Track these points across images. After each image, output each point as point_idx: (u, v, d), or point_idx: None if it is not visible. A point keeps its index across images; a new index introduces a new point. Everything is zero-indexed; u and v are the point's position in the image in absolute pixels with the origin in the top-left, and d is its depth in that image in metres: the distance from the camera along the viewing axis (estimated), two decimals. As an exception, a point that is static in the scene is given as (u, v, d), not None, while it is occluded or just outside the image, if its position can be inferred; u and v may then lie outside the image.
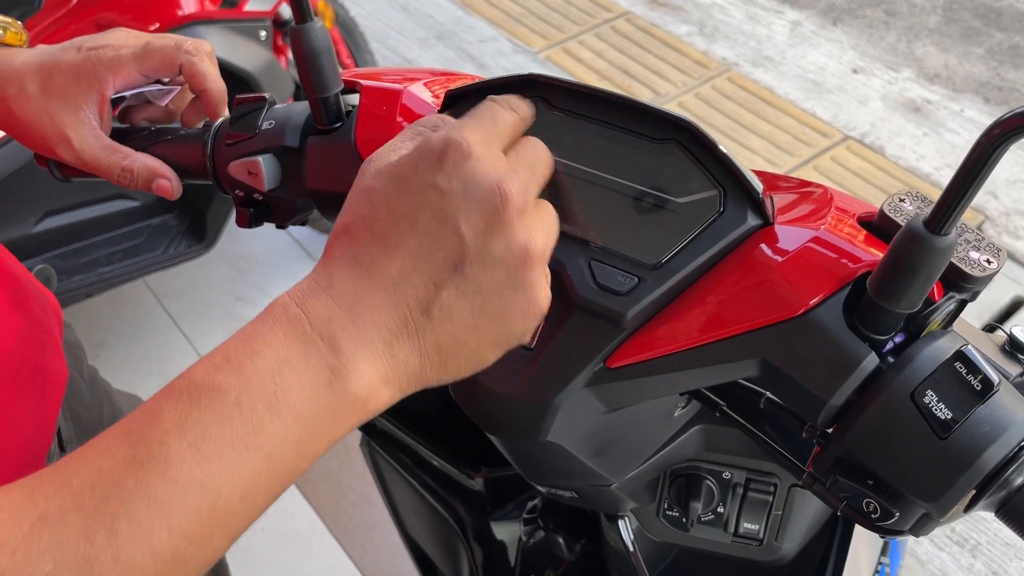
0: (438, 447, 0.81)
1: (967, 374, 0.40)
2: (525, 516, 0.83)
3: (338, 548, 1.63)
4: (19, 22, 0.65)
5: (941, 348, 0.42)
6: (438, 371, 0.41)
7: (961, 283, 0.44)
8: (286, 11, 1.75)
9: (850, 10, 3.16)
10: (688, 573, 0.81)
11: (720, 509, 0.65)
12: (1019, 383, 0.46)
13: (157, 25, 1.47)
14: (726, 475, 0.64)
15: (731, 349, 0.45)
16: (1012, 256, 2.29)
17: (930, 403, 0.41)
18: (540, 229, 0.41)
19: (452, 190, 0.38)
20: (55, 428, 0.63)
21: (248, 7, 1.57)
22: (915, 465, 0.41)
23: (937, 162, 2.55)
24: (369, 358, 0.38)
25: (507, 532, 0.83)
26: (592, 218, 0.49)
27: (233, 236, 2.16)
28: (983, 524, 1.71)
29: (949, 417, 0.40)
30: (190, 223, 1.75)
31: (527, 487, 0.81)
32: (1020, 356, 0.46)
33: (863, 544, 0.72)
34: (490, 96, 0.45)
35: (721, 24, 3.07)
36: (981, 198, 2.44)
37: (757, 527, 0.65)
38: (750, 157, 2.52)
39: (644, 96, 2.73)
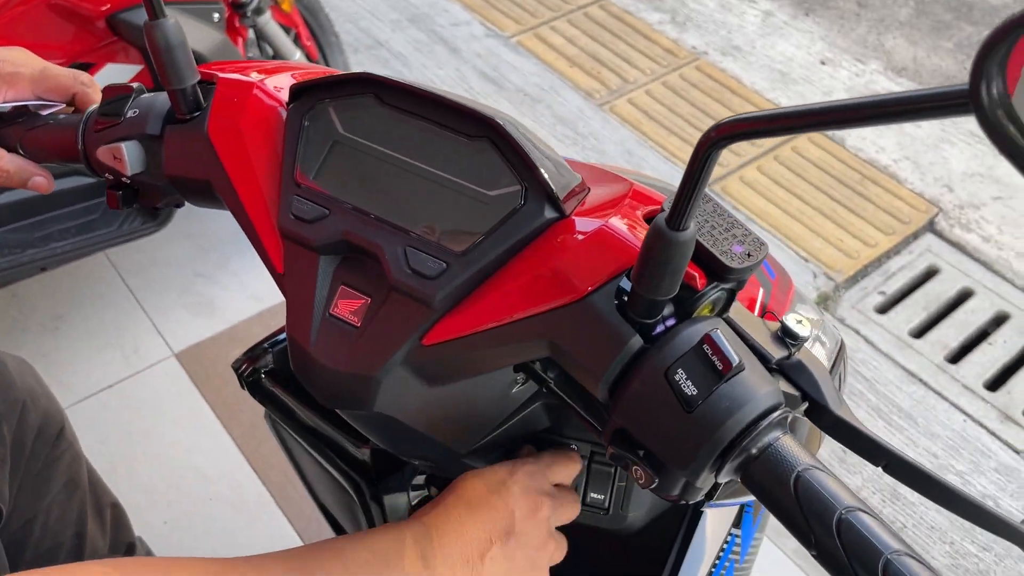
0: (329, 419, 0.85)
1: (712, 355, 0.45)
2: (413, 484, 0.87)
3: (283, 518, 1.69)
4: None
5: (695, 332, 0.46)
6: None
7: (723, 274, 0.48)
8: (241, -7, 1.78)
9: (822, 1, 3.19)
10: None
11: (568, 480, 0.70)
12: (786, 364, 0.51)
13: (108, 6, 1.50)
14: (573, 447, 0.69)
15: (524, 329, 0.50)
16: (963, 249, 2.33)
17: (680, 380, 0.45)
18: (555, 542, 0.64)
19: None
20: None
21: (200, -12, 1.60)
22: (668, 436, 0.46)
23: (896, 155, 2.58)
24: (438, 574, 0.58)
25: (398, 500, 0.88)
26: (411, 206, 0.53)
27: (196, 215, 2.20)
28: (909, 508, 1.77)
29: (695, 393, 0.45)
30: (146, 200, 1.78)
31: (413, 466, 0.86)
32: (788, 341, 0.51)
33: (712, 520, 0.77)
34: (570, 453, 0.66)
35: (694, 13, 3.10)
36: (937, 190, 2.48)
37: (603, 497, 0.70)
38: (712, 146, 2.56)
39: (612, 83, 2.76)
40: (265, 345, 0.89)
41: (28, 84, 0.67)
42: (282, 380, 0.88)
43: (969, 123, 2.69)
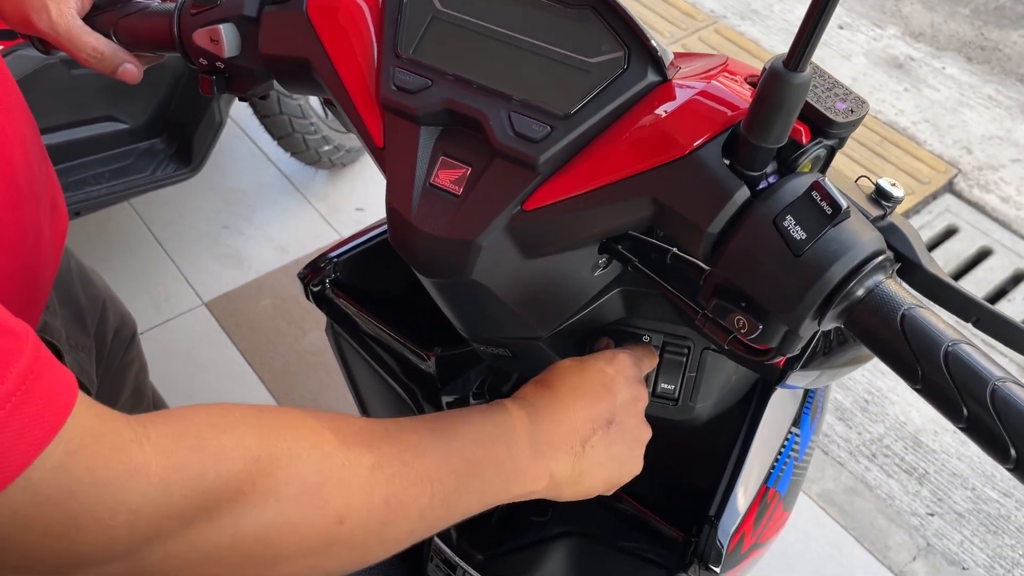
0: (396, 328, 0.87)
1: (821, 200, 0.47)
2: (474, 391, 0.89)
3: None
4: None
5: (802, 181, 0.48)
6: (572, 487, 0.60)
7: (827, 129, 0.50)
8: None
9: (840, -33, 3.19)
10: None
11: (640, 370, 0.72)
12: (880, 224, 0.53)
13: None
14: (645, 338, 0.70)
15: (628, 188, 0.52)
16: (981, 209, 2.35)
17: (788, 227, 0.47)
18: (648, 428, 0.65)
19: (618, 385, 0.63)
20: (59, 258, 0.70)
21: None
22: (775, 281, 0.48)
23: (915, 117, 2.60)
24: (544, 455, 0.57)
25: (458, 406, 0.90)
26: (513, 74, 0.55)
27: (222, 168, 2.21)
28: (931, 455, 1.79)
29: (803, 237, 0.46)
30: (178, 147, 1.80)
31: (475, 364, 0.88)
32: (882, 202, 0.53)
33: (777, 411, 0.79)
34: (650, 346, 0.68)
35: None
36: (955, 152, 2.49)
37: (672, 387, 0.71)
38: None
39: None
40: (330, 255, 0.91)
41: None
42: (348, 290, 0.90)
43: (987, 87, 2.70)
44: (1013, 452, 0.41)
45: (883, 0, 3.04)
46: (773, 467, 0.78)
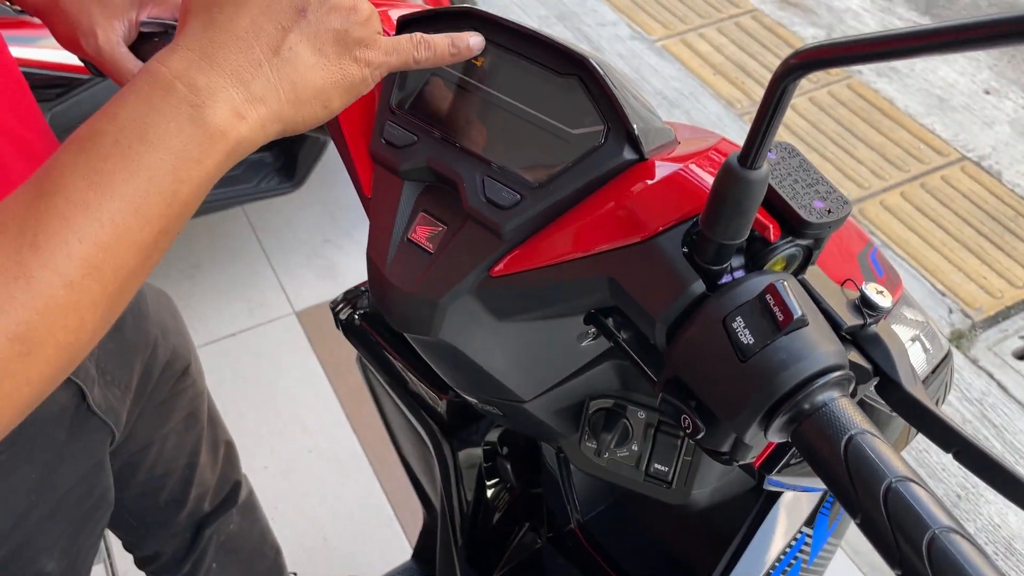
0: (415, 367, 0.88)
1: (773, 306, 0.43)
2: (485, 443, 0.88)
3: (374, 478, 1.74)
4: None
5: (759, 282, 0.45)
6: (293, 109, 0.47)
7: (799, 228, 0.46)
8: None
9: (996, 28, 2.99)
10: (621, 517, 0.85)
11: (634, 447, 0.69)
12: (860, 334, 0.49)
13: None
14: (640, 415, 0.68)
15: (589, 266, 0.50)
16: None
17: (737, 329, 0.44)
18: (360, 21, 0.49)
19: None
20: None
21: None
22: (720, 384, 0.45)
23: (1059, 194, 2.40)
24: (225, 94, 0.44)
25: (472, 454, 0.89)
26: (495, 139, 0.54)
27: (331, 183, 2.30)
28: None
29: (751, 342, 0.43)
30: (284, 162, 1.88)
31: (485, 416, 0.87)
32: (866, 311, 0.49)
33: (788, 508, 0.74)
34: None
35: (851, 30, 2.97)
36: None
37: (667, 469, 0.68)
38: (854, 166, 2.46)
39: (756, 94, 2.69)
40: (363, 288, 0.92)
41: (171, 8, 0.72)
42: (375, 324, 0.91)
43: None
44: None
45: (1040, 66, 2.84)
46: (774, 567, 0.73)
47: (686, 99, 2.67)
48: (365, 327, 0.90)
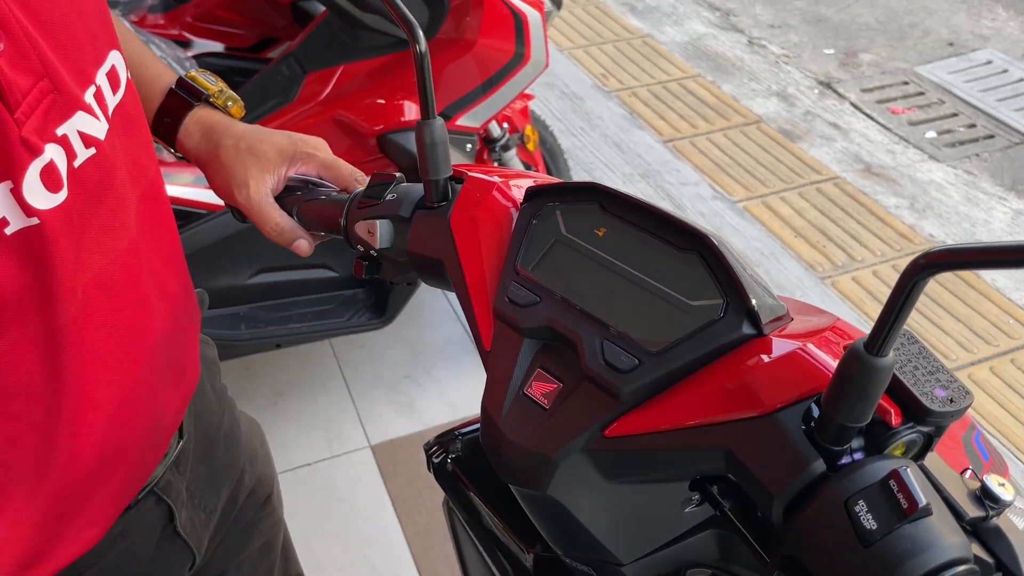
0: (504, 517, 0.88)
1: (897, 492, 0.44)
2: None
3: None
4: (240, 100, 0.84)
5: (882, 466, 0.45)
6: None
7: (921, 415, 0.47)
8: (495, 129, 1.97)
9: (1085, 206, 2.98)
10: None
11: (731, 620, 0.67)
12: (982, 527, 0.48)
13: (381, 127, 1.72)
14: (736, 587, 0.66)
15: (705, 435, 0.51)
16: None
17: (860, 512, 0.44)
18: None
19: None
20: (181, 418, 0.77)
21: (460, 122, 1.79)
22: (841, 568, 0.44)
23: None
24: None
25: (552, 615, 0.87)
26: (615, 304, 0.57)
27: (415, 322, 2.37)
28: None
29: (874, 528, 0.43)
30: (376, 299, 1.96)
31: (573, 572, 0.86)
32: (988, 503, 0.48)
33: None
34: None
35: (935, 202, 3.00)
36: None
37: (761, 648, 0.66)
38: (941, 337, 2.41)
39: (838, 259, 2.70)
40: (456, 433, 0.94)
41: (317, 167, 0.79)
42: (466, 469, 0.92)
43: None
44: None
45: None
46: None
47: (767, 259, 2.70)
48: (457, 472, 0.91)
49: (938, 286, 2.60)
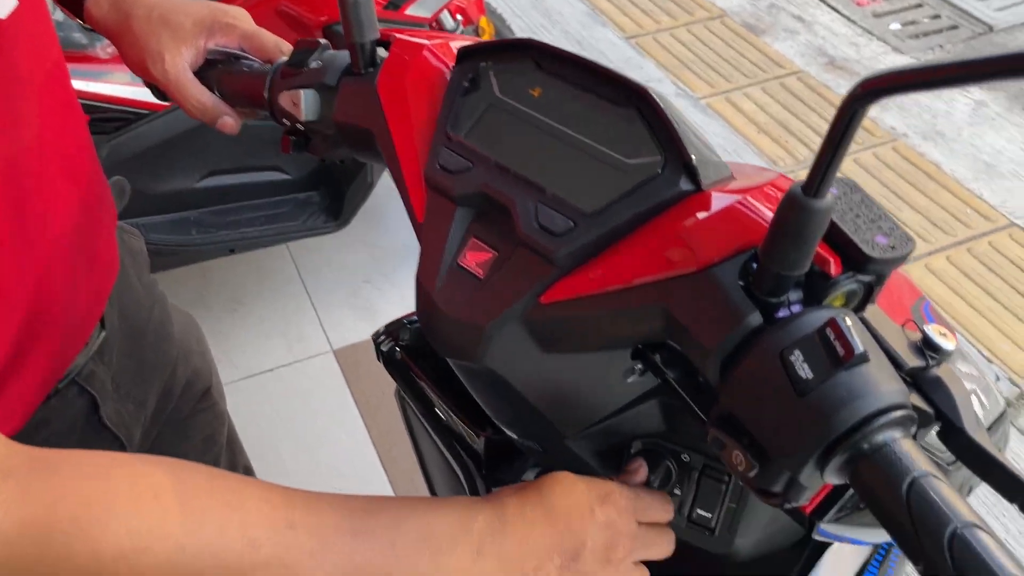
0: (454, 403, 0.87)
1: (834, 340, 0.42)
2: (522, 480, 0.87)
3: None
4: None
5: (819, 316, 0.44)
6: None
7: (861, 263, 0.45)
8: (447, 21, 1.90)
9: (1046, 96, 2.97)
10: (661, 566, 0.82)
11: (676, 491, 0.67)
12: (921, 376, 0.47)
13: (325, 18, 1.64)
14: (684, 457, 0.66)
15: (641, 295, 0.49)
16: None
17: (795, 362, 0.43)
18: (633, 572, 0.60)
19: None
20: (102, 311, 0.74)
21: (409, 11, 1.72)
22: (775, 421, 0.43)
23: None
24: (486, 565, 0.54)
25: (506, 494, 0.87)
26: (550, 167, 0.54)
27: (375, 225, 2.33)
28: None
29: (810, 378, 0.42)
30: (330, 201, 1.91)
31: (523, 455, 0.85)
32: (928, 353, 0.47)
33: (837, 562, 0.71)
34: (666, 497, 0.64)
35: (901, 99, 2.97)
36: None
37: (710, 515, 0.66)
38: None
39: (800, 153, 2.69)
40: (405, 321, 0.92)
41: (238, 38, 0.74)
42: (417, 358, 0.91)
43: None
44: None
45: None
46: (819, 625, 0.70)
47: (730, 156, 2.67)
48: (406, 360, 0.90)
49: (896, 176, 2.60)
